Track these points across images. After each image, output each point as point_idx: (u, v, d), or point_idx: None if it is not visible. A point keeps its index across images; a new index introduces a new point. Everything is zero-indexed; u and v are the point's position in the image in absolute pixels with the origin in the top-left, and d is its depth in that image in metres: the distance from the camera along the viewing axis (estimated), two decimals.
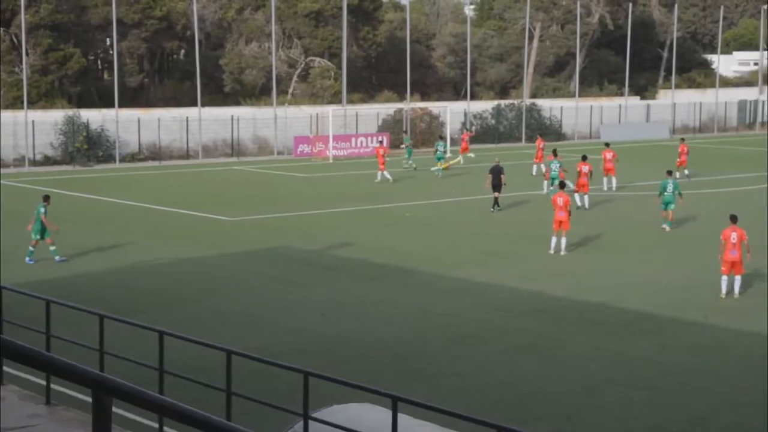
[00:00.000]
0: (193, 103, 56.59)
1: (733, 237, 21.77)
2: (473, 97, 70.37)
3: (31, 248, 26.18)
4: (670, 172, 32.85)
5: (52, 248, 26.15)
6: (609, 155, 40.67)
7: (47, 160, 50.81)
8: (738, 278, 21.96)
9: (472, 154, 51.83)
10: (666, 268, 25.64)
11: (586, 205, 35.65)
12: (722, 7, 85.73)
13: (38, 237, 26.11)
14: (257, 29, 69.76)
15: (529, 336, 19.22)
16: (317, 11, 69.88)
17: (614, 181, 40.62)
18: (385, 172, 43.12)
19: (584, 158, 35.95)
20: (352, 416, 9.77)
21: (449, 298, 22.37)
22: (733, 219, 22.42)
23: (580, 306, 21.59)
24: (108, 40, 65.19)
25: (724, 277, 21.93)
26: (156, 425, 12.44)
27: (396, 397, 9.76)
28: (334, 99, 65.65)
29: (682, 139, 47.01)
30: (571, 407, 15.16)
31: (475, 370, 17.06)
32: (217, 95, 67.98)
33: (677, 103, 74.18)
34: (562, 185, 29.39)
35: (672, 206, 31.22)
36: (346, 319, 20.55)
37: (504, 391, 15.90)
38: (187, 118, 55.12)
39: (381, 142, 48.30)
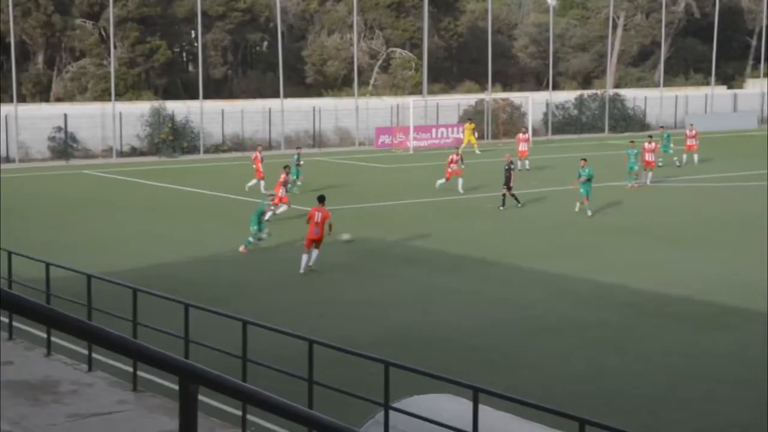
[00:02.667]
0: (276, 95, 57.10)
1: None
2: (555, 87, 69.73)
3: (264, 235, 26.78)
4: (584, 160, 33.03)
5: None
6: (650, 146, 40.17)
7: (134, 151, 51.79)
8: None
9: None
10: (752, 261, 25.11)
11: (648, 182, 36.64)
12: None
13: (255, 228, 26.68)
14: (339, 20, 70.08)
15: (610, 329, 19.03)
16: (398, 2, 69.92)
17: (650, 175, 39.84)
18: (441, 181, 38.25)
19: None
20: (432, 407, 9.81)
21: (528, 290, 22.26)
22: None
23: (663, 299, 21.31)
24: (193, 32, 66.09)
25: None
26: (239, 413, 12.64)
27: (477, 388, 9.76)
28: (415, 90, 65.65)
29: None
30: (654, 402, 14.99)
31: (554, 363, 16.97)
32: (300, 87, 68.50)
33: (766, 92, 72.48)
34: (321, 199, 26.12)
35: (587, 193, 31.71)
36: (423, 310, 20.58)
37: (584, 385, 15.78)
38: (269, 109, 55.66)
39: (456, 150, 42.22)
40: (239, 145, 54.17)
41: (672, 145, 46.60)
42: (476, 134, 53.99)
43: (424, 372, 10.68)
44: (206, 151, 52.81)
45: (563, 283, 22.92)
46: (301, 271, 23.95)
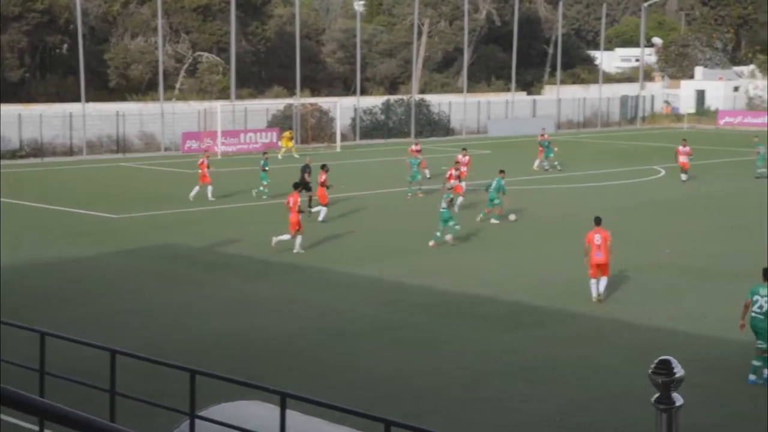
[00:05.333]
0: (77, 99, 55.38)
1: (597, 239, 21.51)
2: (363, 92, 70.59)
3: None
4: (502, 172, 32.99)
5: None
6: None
7: None
8: (604, 279, 21.70)
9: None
10: (552, 261, 26.16)
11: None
12: (605, 5, 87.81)
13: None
14: (143, 23, 68.68)
15: (415, 330, 19.42)
16: (205, 5, 69.13)
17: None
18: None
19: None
20: (239, 414, 9.73)
21: (336, 294, 22.44)
22: (597, 221, 22.04)
23: (466, 300, 21.91)
24: None
25: (593, 281, 21.69)
26: (37, 428, 12.16)
27: (284, 393, 9.75)
28: (223, 94, 65.07)
29: (684, 140, 44.25)
30: (456, 400, 15.39)
31: (362, 365, 17.19)
32: (102, 91, 66.69)
33: (562, 98, 75.69)
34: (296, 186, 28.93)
35: (498, 202, 31.97)
36: (232, 317, 20.44)
37: (391, 386, 16.06)
38: (70, 114, 53.91)
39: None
40: (38, 150, 52.20)
41: (556, 149, 47.03)
42: (293, 141, 54.14)
43: (229, 379, 10.59)
44: (3, 157, 50.62)
45: (371, 287, 23.23)
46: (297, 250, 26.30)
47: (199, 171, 37.22)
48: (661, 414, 4.98)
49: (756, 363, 16.20)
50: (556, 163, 46.56)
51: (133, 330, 19.17)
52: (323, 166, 32.96)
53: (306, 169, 34.66)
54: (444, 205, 28.27)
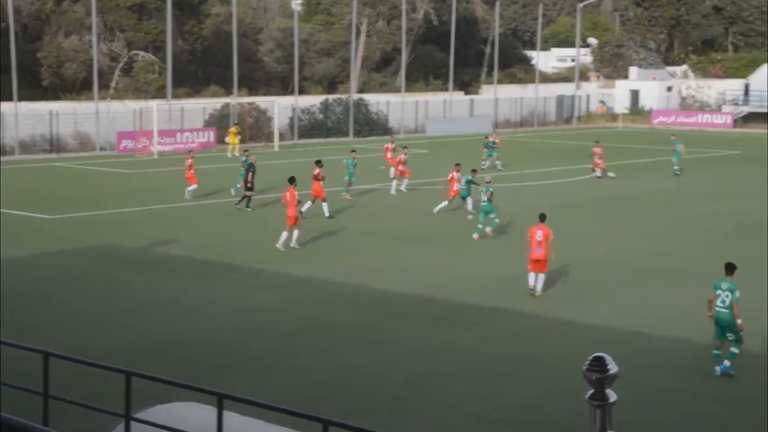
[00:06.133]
0: (9, 98, 54.37)
1: (539, 235, 21.93)
2: (301, 91, 70.39)
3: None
4: (474, 171, 33.86)
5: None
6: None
7: None
8: (542, 276, 22.08)
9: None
10: (488, 260, 26.32)
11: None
12: (541, 5, 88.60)
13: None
14: (77, 21, 67.73)
15: (355, 330, 19.42)
16: (140, 4, 68.40)
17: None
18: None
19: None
20: (176, 415, 9.64)
21: (273, 294, 22.36)
22: (542, 218, 22.53)
23: (405, 299, 21.95)
24: None
25: (531, 274, 22.13)
26: None
27: (221, 394, 9.66)
28: (159, 94, 64.41)
29: (597, 142, 45.82)
30: (394, 399, 15.41)
31: (300, 365, 17.13)
32: (35, 90, 65.60)
33: (499, 98, 76.24)
34: (292, 180, 28.96)
35: (471, 199, 32.50)
36: (170, 318, 20.26)
37: (329, 386, 16.03)
38: (2, 113, 52.94)
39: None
40: None
41: (497, 153, 47.38)
42: (239, 137, 53.69)
43: (166, 380, 10.48)
44: None
45: (307, 287, 23.17)
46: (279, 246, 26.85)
47: (186, 173, 36.95)
48: (595, 410, 5.03)
49: (734, 350, 16.56)
50: (497, 162, 46.88)
51: (67, 332, 18.89)
52: (317, 161, 33.56)
53: (251, 168, 34.51)
54: (485, 198, 29.20)
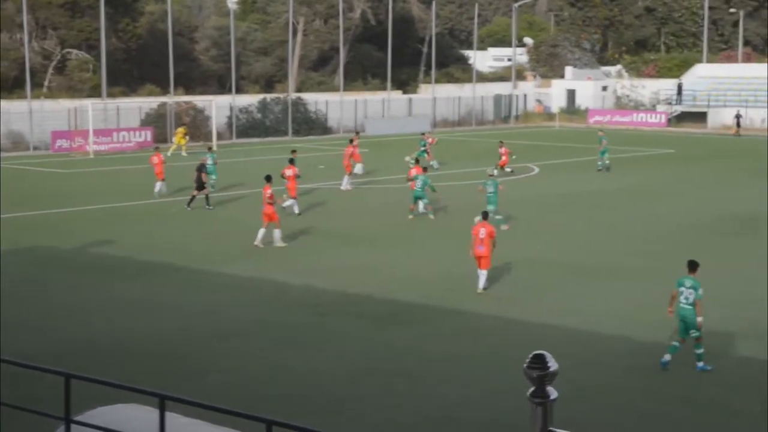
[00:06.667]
0: None
1: (482, 233, 22.32)
2: (239, 90, 70.00)
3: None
4: (425, 169, 34.04)
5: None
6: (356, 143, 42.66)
7: None
8: (484, 272, 22.35)
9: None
10: (430, 259, 26.38)
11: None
12: (477, 5, 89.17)
13: None
14: (7, 19, 66.55)
15: (295, 330, 19.35)
16: (73, 1, 67.50)
17: (361, 167, 42.88)
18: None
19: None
20: (117, 417, 9.51)
21: (213, 294, 22.20)
22: (484, 216, 23.26)
23: (345, 299, 21.92)
24: None
25: (480, 271, 22.46)
26: None
27: (163, 395, 9.56)
28: (94, 92, 63.58)
29: (501, 142, 46.91)
30: (335, 398, 15.38)
31: (240, 366, 17.04)
32: None
33: (437, 97, 76.54)
34: (268, 178, 29.26)
35: (426, 200, 32.44)
36: (107, 319, 19.99)
37: (270, 386, 15.96)
38: None
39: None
40: None
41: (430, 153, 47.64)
42: (187, 138, 53.37)
43: (106, 382, 10.34)
44: None
45: (249, 287, 23.05)
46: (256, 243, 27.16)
47: (155, 169, 36.81)
48: (536, 407, 5.06)
49: (698, 351, 16.79)
50: (432, 162, 47.02)
51: (7, 335, 18.54)
52: (291, 160, 33.76)
53: (202, 168, 34.48)
54: (491, 189, 30.24)
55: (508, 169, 44.77)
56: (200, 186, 34.06)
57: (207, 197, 34.18)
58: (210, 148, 40.14)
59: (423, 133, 50.26)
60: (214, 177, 37.36)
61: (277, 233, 27.73)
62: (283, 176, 32.87)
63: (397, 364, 17.22)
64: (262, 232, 27.63)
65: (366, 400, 15.39)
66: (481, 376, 16.65)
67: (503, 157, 45.03)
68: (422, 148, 47.30)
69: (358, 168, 42.47)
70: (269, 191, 27.78)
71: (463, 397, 15.67)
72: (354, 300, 21.81)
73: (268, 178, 28.32)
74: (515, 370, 16.49)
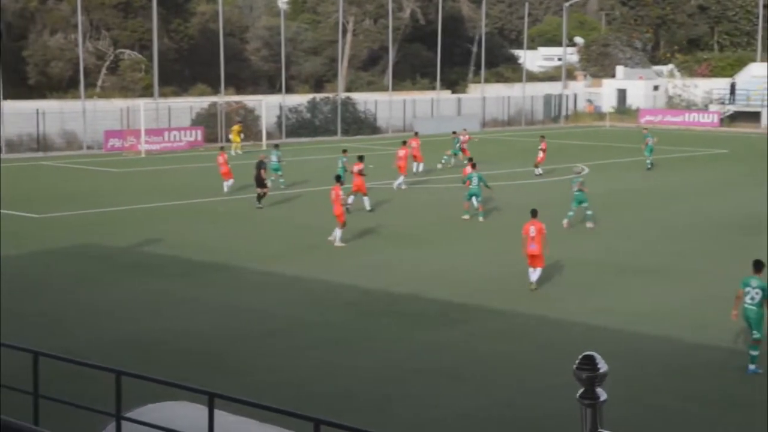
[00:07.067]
0: None
1: (532, 231, 22.29)
2: (289, 90, 70.33)
3: None
4: (474, 165, 33.80)
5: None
6: (415, 143, 43.28)
7: None
8: (537, 270, 22.43)
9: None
10: (475, 258, 26.35)
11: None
12: (527, 4, 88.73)
13: None
14: (62, 20, 67.49)
15: (339, 329, 19.43)
16: (126, 2, 68.23)
17: (421, 166, 43.38)
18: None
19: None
20: (167, 415, 9.64)
21: (259, 294, 22.36)
22: (534, 213, 22.95)
23: (391, 298, 21.97)
24: None
25: (531, 269, 22.54)
26: None
27: (212, 393, 9.68)
28: (146, 92, 64.29)
29: (542, 137, 46.01)
30: (381, 397, 15.43)
31: (286, 365, 17.16)
32: (21, 88, 65.35)
33: (487, 97, 76.29)
34: (338, 178, 29.45)
35: (480, 198, 32.30)
36: (155, 318, 20.23)
37: (317, 385, 16.05)
38: None
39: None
40: None
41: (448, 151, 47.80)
42: (242, 136, 54.04)
43: (156, 379, 10.49)
44: None
45: (294, 286, 23.16)
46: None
47: (221, 168, 37.49)
48: (585, 409, 5.07)
49: (753, 353, 16.57)
50: (443, 160, 47.08)
51: (56, 332, 18.86)
52: (360, 157, 34.19)
53: (261, 165, 34.63)
54: (576, 187, 30.55)
55: (538, 171, 44.00)
56: (261, 183, 34.24)
57: (259, 196, 34.33)
58: (276, 146, 40.58)
59: (454, 132, 50.01)
60: (280, 173, 38.35)
61: (338, 233, 27.81)
62: (360, 173, 33.40)
63: (443, 363, 17.24)
64: (339, 232, 27.86)
65: (411, 399, 15.43)
66: (527, 376, 16.62)
67: (541, 153, 44.18)
68: (456, 146, 47.40)
69: (419, 167, 43.15)
70: (338, 191, 27.94)
71: (508, 397, 15.66)
72: (398, 299, 21.85)
73: (338, 178, 28.76)
74: (561, 371, 16.44)
